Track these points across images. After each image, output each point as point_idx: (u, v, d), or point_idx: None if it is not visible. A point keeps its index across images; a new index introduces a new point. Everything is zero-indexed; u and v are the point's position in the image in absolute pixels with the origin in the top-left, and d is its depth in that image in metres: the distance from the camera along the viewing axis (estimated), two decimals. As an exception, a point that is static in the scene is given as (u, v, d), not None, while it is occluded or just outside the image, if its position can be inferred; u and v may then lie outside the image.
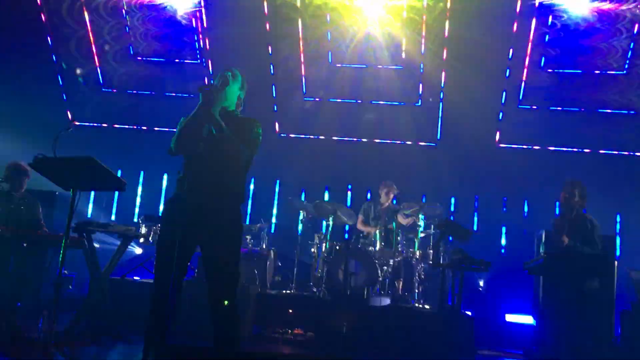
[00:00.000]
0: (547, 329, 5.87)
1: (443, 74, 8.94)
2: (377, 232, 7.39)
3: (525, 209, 8.96)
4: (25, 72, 9.35)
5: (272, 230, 8.75)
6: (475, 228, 8.97)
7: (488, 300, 7.86)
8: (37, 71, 9.62)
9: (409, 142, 9.41)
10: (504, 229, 8.97)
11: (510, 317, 7.99)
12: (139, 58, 9.79)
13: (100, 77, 9.94)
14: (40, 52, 9.62)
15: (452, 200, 9.14)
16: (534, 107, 8.98)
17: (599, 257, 5.63)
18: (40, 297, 6.04)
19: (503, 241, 8.92)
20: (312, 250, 7.69)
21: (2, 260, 5.17)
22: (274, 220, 9.27)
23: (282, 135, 9.66)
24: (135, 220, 9.23)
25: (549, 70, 8.80)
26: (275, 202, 9.58)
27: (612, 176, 8.32)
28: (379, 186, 8.17)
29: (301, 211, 8.04)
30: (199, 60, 9.62)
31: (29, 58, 9.49)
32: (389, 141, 9.53)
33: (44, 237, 5.48)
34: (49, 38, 9.60)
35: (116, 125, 10.12)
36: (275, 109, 9.59)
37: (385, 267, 7.21)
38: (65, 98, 9.99)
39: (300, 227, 8.44)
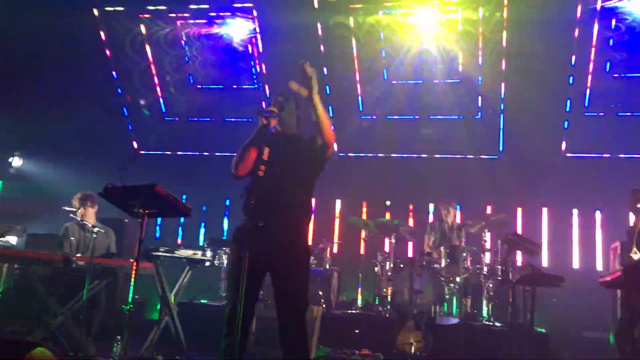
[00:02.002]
0: (625, 345, 5.54)
1: (503, 84, 8.75)
2: (442, 248, 7.24)
3: (598, 219, 8.58)
4: (92, 105, 9.77)
5: (335, 250, 8.71)
6: (544, 241, 8.65)
7: (563, 316, 7.52)
8: (103, 104, 10.05)
9: (470, 156, 9.22)
10: (576, 242, 8.61)
11: (587, 333, 7.63)
12: (199, 86, 10.11)
13: (162, 106, 10.30)
14: (106, 86, 10.06)
15: (519, 213, 8.86)
16: (601, 113, 8.65)
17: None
18: (112, 322, 6.22)
19: (575, 254, 8.56)
20: (376, 269, 7.60)
21: (77, 287, 5.35)
22: (336, 239, 9.23)
23: (341, 154, 9.67)
24: (201, 244, 9.42)
25: (615, 75, 8.48)
26: (337, 221, 9.56)
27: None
28: (438, 205, 8.04)
29: (363, 230, 7.99)
30: (256, 85, 9.82)
31: (96, 92, 9.94)
32: (449, 156, 9.38)
33: (115, 264, 5.64)
34: (114, 72, 10.04)
35: (179, 153, 10.41)
36: (333, 128, 9.58)
37: (452, 285, 7.04)
38: (130, 128, 10.39)
39: (362, 246, 8.38)
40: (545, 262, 8.49)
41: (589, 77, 8.48)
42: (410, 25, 8.77)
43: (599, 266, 8.22)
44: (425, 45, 8.87)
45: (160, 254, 5.60)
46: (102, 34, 9.69)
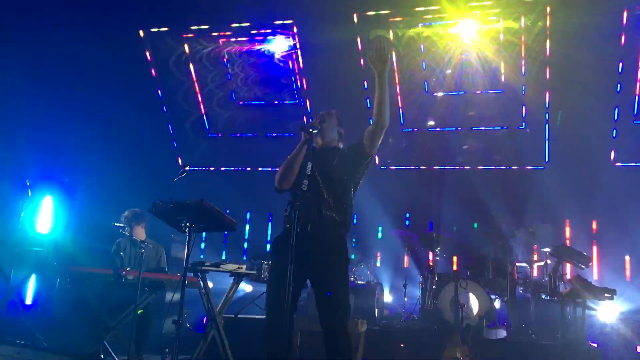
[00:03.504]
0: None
1: (547, 94, 8.59)
2: (489, 261, 7.11)
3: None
4: (139, 124, 10.02)
5: (378, 264, 8.66)
6: (594, 254, 8.39)
7: (615, 330, 7.27)
8: (149, 122, 10.30)
9: (515, 167, 9.06)
10: (628, 254, 8.33)
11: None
12: (241, 103, 10.27)
13: (206, 123, 10.50)
14: (151, 104, 10.33)
15: (567, 226, 8.64)
16: (652, 121, 8.40)
17: None
18: (161, 335, 6.32)
19: (628, 267, 8.27)
20: (420, 282, 7.53)
21: (128, 301, 5.47)
22: (379, 253, 9.17)
23: (383, 167, 9.64)
24: (245, 258, 9.52)
25: (665, 82, 8.22)
26: (379, 235, 9.51)
27: None
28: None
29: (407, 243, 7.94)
30: (297, 101, 9.92)
31: (142, 111, 10.17)
32: (493, 167, 9.24)
33: (163, 278, 5.76)
34: (159, 91, 10.30)
35: (223, 168, 10.58)
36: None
37: (498, 298, 6.90)
38: (175, 145, 10.62)
39: (406, 259, 8.32)
40: (595, 275, 8.25)
41: (638, 85, 8.26)
42: (450, 37, 8.72)
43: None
44: (466, 56, 8.80)
45: (206, 268, 5.69)
46: (147, 54, 9.97)
